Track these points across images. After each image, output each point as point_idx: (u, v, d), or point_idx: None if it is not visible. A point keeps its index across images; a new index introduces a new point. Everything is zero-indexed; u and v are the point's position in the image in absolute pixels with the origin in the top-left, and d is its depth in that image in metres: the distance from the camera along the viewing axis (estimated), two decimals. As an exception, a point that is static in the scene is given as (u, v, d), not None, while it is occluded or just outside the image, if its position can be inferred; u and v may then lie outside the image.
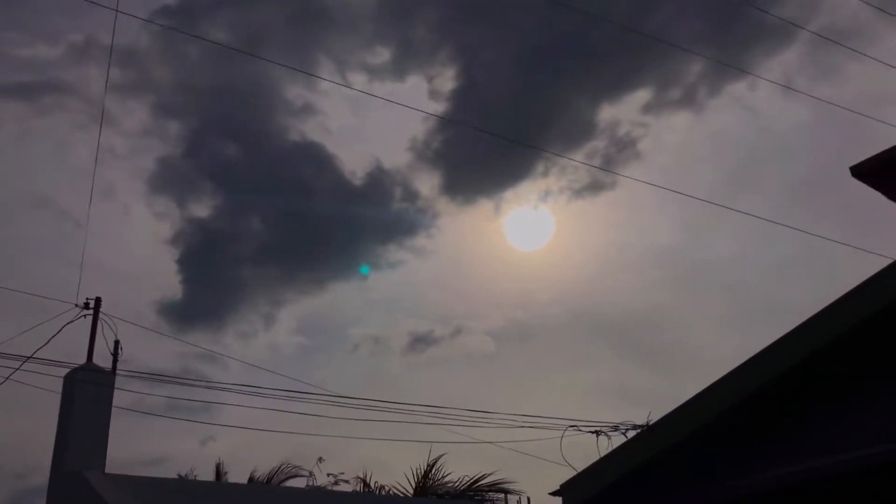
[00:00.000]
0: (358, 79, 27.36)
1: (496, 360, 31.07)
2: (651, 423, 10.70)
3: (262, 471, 16.85)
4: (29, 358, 10.00)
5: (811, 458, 6.16)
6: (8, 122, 26.07)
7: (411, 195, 28.91)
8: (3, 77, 26.09)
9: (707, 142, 29.69)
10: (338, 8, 22.75)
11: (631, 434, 12.15)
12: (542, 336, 31.48)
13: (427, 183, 30.92)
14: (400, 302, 32.93)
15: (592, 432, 11.52)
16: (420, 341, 31.92)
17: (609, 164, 27.35)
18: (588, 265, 29.96)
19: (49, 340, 10.51)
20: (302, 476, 16.67)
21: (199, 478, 15.90)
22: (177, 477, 15.59)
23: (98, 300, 11.22)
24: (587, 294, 31.93)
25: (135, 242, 28.87)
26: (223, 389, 12.79)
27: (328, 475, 16.84)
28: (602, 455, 7.81)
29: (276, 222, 27.68)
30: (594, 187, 28.92)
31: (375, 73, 26.57)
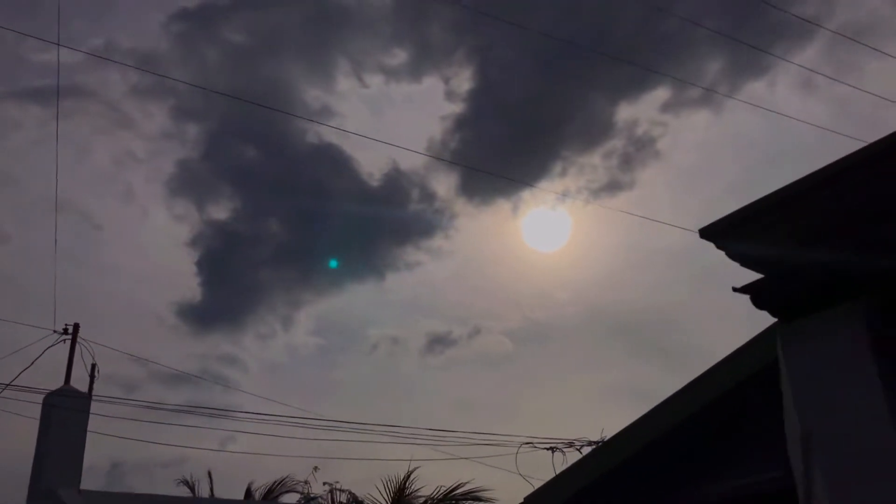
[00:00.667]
0: (375, 80, 27.59)
1: (514, 361, 31.06)
2: (605, 439, 10.85)
3: (268, 482, 17.27)
4: (7, 385, 10.49)
5: (754, 475, 6.35)
6: (29, 127, 26.78)
7: (428, 196, 29.00)
8: (24, 81, 26.68)
9: (727, 140, 29.28)
10: (354, 10, 22.98)
11: (586, 450, 12.28)
12: (559, 336, 31.45)
13: (444, 183, 31.03)
14: (418, 303, 33.05)
15: (548, 448, 11.71)
16: (438, 342, 32.00)
17: (627, 164, 27.19)
18: (606, 265, 29.74)
19: (30, 364, 11.00)
20: (297, 492, 17.09)
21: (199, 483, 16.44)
22: (181, 479, 16.16)
23: (76, 326, 11.69)
24: (604, 294, 31.77)
25: (154, 245, 29.46)
26: (212, 415, 13.36)
27: (324, 484, 17.24)
28: (561, 469, 8.11)
29: (294, 224, 28.01)
30: (612, 187, 28.75)
31: (392, 74, 26.76)
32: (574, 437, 12.29)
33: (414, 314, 32.29)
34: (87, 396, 11.27)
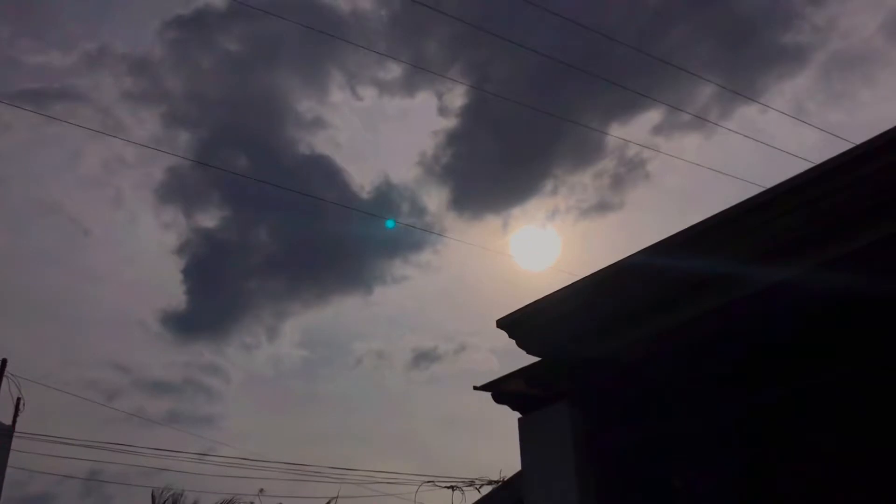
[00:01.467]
0: (368, 93, 28.14)
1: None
2: (505, 479, 11.52)
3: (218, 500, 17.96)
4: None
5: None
6: (19, 129, 27.06)
7: (419, 210, 29.47)
8: (17, 84, 26.80)
9: (716, 164, 29.99)
10: (351, 24, 23.45)
11: (485, 489, 12.94)
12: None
13: (435, 198, 31.45)
14: (404, 317, 33.42)
15: (448, 487, 12.37)
16: (423, 357, 32.36)
17: (618, 184, 27.87)
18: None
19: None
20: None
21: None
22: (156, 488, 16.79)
23: (4, 361, 12.32)
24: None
25: (140, 251, 29.78)
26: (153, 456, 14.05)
27: (268, 505, 17.99)
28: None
29: (283, 234, 28.35)
30: (602, 207, 29.32)
31: (386, 87, 27.29)
32: (475, 477, 12.92)
33: (400, 329, 32.67)
34: (10, 429, 11.91)
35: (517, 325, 5.22)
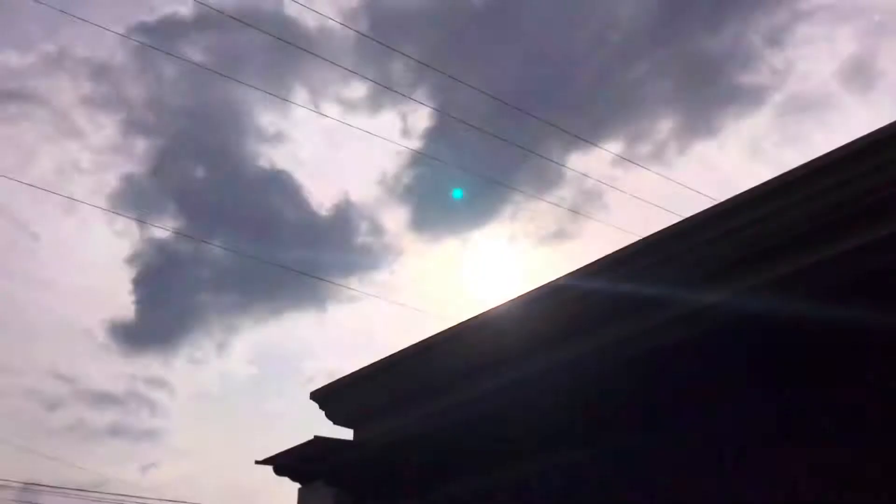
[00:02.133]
0: (332, 110, 28.23)
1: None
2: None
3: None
4: None
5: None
6: None
7: (377, 230, 29.53)
8: None
9: (674, 198, 30.04)
10: (317, 39, 23.49)
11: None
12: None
13: (394, 218, 31.40)
14: (357, 337, 33.52)
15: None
16: None
17: (575, 214, 28.10)
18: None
19: None
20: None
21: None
22: None
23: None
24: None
25: (91, 259, 29.66)
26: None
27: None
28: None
29: (237, 248, 28.32)
30: (559, 235, 29.51)
31: (350, 106, 27.30)
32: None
33: (353, 348, 32.76)
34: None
35: (325, 399, 5.66)
